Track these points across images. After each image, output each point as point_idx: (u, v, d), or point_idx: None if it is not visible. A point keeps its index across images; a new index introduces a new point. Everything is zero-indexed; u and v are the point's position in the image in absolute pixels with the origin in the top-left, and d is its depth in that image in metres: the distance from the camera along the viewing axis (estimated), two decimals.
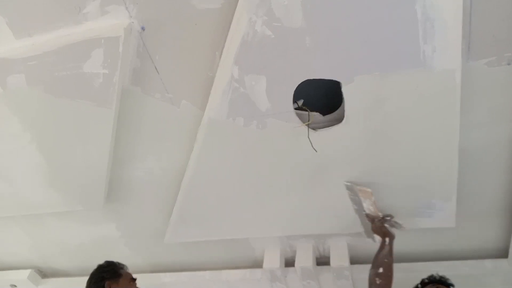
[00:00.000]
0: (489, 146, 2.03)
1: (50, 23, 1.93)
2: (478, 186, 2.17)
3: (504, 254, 2.44)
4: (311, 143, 2.05)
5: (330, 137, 2.05)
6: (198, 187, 2.38)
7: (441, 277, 2.00)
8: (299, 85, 1.92)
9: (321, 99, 2.22)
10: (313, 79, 1.88)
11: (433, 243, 2.48)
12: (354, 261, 2.67)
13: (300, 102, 2.24)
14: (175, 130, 2.25)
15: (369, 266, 2.65)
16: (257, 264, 2.84)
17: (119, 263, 2.10)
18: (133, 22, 1.87)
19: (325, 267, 2.68)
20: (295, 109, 2.12)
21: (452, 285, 2.05)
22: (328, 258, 2.66)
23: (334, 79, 1.85)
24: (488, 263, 2.45)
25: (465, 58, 1.75)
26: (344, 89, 1.87)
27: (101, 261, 2.17)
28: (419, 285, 2.09)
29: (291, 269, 2.72)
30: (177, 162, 2.37)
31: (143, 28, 1.90)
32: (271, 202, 2.41)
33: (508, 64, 1.77)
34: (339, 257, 2.61)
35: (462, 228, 2.27)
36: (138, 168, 2.47)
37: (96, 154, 2.34)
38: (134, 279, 2.09)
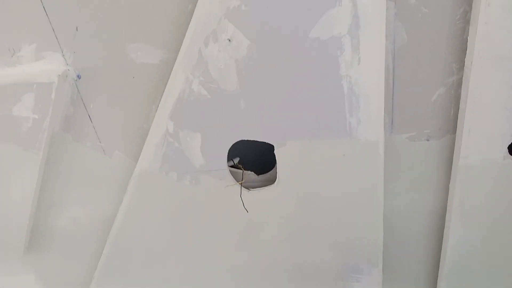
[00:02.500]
0: (411, 214, 2.11)
1: None
2: (402, 253, 2.23)
3: None
4: (243, 203, 2.06)
5: (263, 197, 2.07)
6: (126, 241, 2.28)
7: None
8: (236, 143, 1.95)
9: (258, 158, 2.26)
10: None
11: None
12: None
13: (236, 160, 2.26)
14: (106, 179, 2.17)
15: None
16: None
17: None
18: (69, 70, 1.85)
19: None
20: (231, 166, 2.14)
21: None
22: None
23: (267, 141, 1.90)
24: None
25: (388, 131, 1.87)
26: (276, 152, 1.92)
27: None
28: None
29: None
30: (107, 213, 2.26)
31: (79, 77, 1.88)
32: (202, 260, 2.35)
33: (427, 140, 1.90)
34: None
35: None
36: (64, 217, 2.33)
37: (19, 199, 2.21)
38: None
